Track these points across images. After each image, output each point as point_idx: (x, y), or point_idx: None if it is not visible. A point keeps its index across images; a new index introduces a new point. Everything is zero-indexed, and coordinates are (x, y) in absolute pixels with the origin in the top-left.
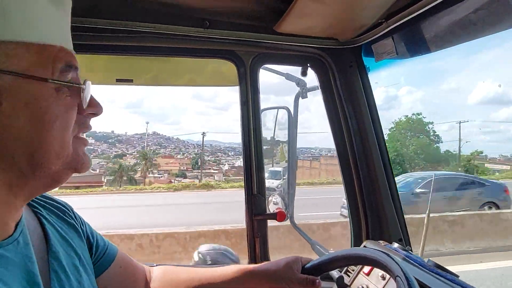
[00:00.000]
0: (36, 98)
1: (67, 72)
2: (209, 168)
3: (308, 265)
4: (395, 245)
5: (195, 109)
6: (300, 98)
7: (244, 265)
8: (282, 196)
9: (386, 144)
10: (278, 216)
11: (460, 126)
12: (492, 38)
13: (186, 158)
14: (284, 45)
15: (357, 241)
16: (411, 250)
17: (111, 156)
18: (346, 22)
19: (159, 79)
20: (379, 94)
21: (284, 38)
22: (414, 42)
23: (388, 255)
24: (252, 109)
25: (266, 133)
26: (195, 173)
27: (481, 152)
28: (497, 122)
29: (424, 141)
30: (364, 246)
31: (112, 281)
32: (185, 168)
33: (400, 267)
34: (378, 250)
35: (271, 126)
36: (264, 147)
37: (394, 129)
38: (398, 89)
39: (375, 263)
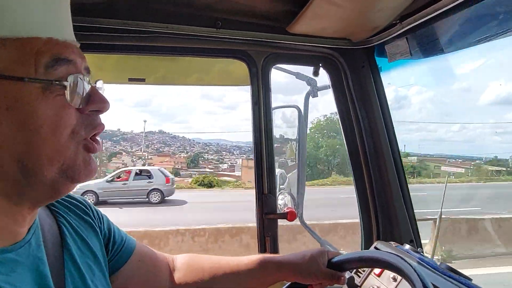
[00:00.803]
0: (17, 100)
1: (55, 67)
2: (204, 167)
3: (335, 259)
4: (407, 246)
5: (204, 108)
6: (310, 97)
7: (270, 255)
8: (292, 195)
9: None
10: (289, 215)
11: None
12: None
13: (182, 157)
14: (296, 45)
15: (367, 242)
16: (423, 252)
17: (107, 154)
18: (360, 23)
19: (170, 78)
20: (389, 93)
21: (297, 38)
22: (429, 43)
23: (415, 270)
24: (263, 109)
25: (275, 131)
26: (190, 172)
27: (408, 154)
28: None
29: (337, 142)
30: (375, 247)
31: (132, 275)
32: (180, 167)
33: (425, 285)
34: (405, 259)
35: (280, 124)
36: (276, 144)
37: (313, 129)
38: (408, 88)
39: (401, 273)
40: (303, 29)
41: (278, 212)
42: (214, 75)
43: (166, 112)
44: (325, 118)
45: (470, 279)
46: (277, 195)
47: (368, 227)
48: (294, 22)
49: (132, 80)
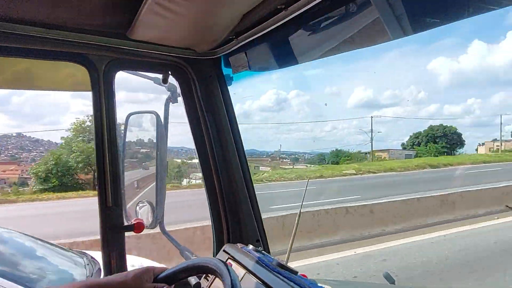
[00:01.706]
0: None
1: None
2: None
3: (161, 275)
4: (250, 246)
5: (78, 108)
6: (170, 102)
7: (93, 279)
8: (150, 202)
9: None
10: (136, 227)
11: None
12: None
13: (34, 164)
14: (140, 52)
15: (218, 245)
16: (267, 250)
17: None
18: (199, 35)
19: (2, 82)
20: (270, 97)
21: (139, 44)
22: (266, 57)
23: (226, 266)
24: (106, 116)
25: (143, 135)
26: None
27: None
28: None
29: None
30: (224, 250)
31: None
32: (29, 176)
33: (231, 279)
34: (223, 261)
35: (148, 127)
36: (144, 150)
37: (73, 132)
38: (288, 92)
39: (216, 273)
40: (143, 36)
41: (126, 224)
42: (57, 79)
43: (31, 112)
44: (90, 119)
45: (296, 272)
46: (136, 204)
47: (219, 231)
48: (132, 29)
49: None
